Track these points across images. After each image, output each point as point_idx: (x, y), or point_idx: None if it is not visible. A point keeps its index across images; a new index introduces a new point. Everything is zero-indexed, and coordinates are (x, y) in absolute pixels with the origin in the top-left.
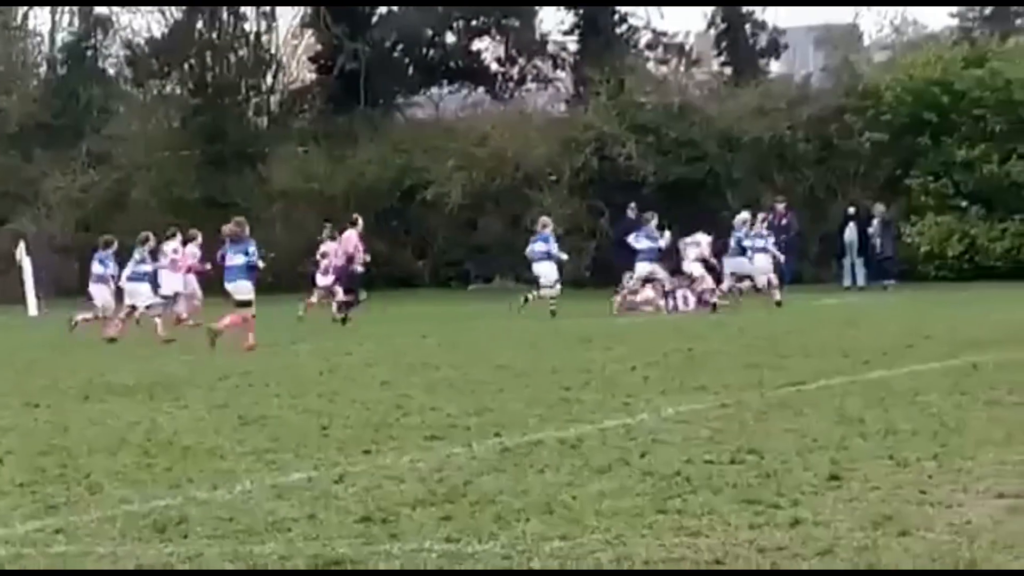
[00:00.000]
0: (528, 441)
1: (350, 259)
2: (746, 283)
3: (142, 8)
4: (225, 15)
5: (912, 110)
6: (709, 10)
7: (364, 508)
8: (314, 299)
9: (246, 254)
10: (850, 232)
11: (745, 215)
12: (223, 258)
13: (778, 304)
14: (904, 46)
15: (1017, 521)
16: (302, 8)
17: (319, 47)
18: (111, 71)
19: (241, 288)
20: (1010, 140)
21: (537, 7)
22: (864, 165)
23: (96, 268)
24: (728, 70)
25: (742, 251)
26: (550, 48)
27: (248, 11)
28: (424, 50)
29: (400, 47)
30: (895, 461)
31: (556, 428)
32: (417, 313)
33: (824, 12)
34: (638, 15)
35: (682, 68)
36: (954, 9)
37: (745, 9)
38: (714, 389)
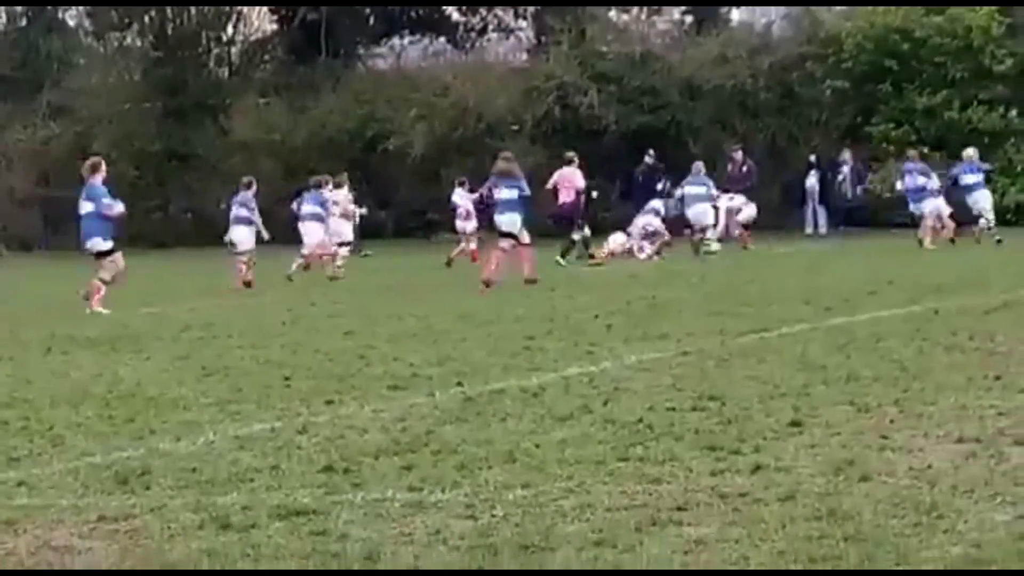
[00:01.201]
0: (491, 390)
1: (579, 193)
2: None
3: None
4: None
5: (873, 57)
6: None
7: (327, 458)
8: (464, 246)
9: (519, 189)
10: (811, 180)
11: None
12: (490, 195)
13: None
14: None
15: (977, 465)
16: None
17: None
18: (71, 23)
19: (511, 220)
20: (971, 87)
21: None
22: (825, 113)
23: (238, 211)
24: (689, 18)
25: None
26: None
27: None
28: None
29: None
30: (856, 407)
31: (519, 377)
32: (380, 264)
33: None
34: None
35: (643, 17)
36: None
37: None
38: (676, 337)
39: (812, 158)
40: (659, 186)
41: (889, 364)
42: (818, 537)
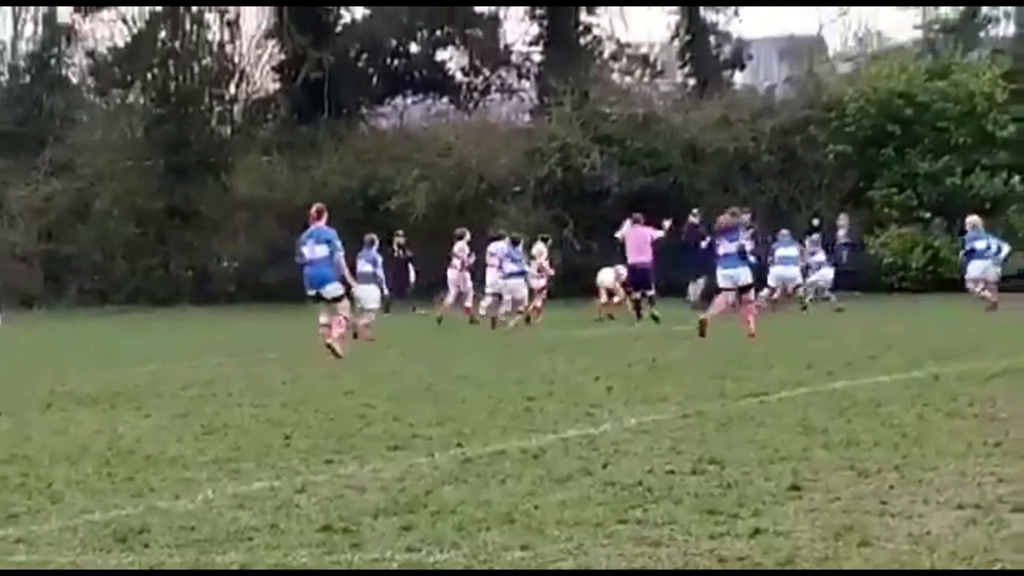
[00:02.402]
0: (490, 451)
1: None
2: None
3: (105, 17)
4: (188, 24)
5: (876, 122)
6: (673, 21)
7: (326, 517)
8: (539, 303)
9: (740, 243)
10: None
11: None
12: (712, 247)
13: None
14: (868, 58)
15: (976, 532)
16: (266, 17)
17: (283, 56)
18: (74, 80)
19: (740, 275)
20: (973, 152)
21: (502, 15)
22: (828, 177)
23: (364, 267)
24: (692, 81)
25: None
26: (514, 58)
27: (211, 20)
28: (388, 60)
29: (364, 57)
30: (856, 471)
31: (518, 438)
32: (381, 323)
33: (789, 23)
34: (602, 26)
35: (646, 79)
36: (918, 20)
37: (710, 20)
38: (676, 399)
39: (815, 222)
40: (704, 244)
41: (889, 429)
42: None
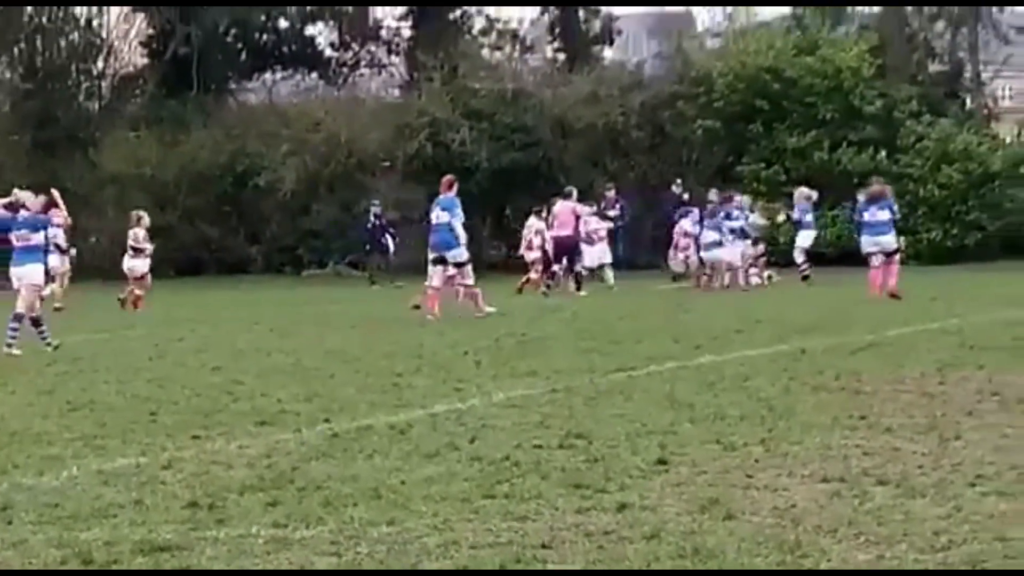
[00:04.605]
0: (358, 427)
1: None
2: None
3: None
4: None
5: (744, 97)
6: None
7: (191, 494)
8: (533, 275)
9: (891, 210)
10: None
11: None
12: (860, 214)
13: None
14: (736, 33)
15: (840, 504)
16: None
17: (151, 31)
18: None
19: (889, 241)
20: (841, 127)
21: None
22: (696, 152)
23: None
24: (562, 56)
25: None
26: (384, 33)
27: None
28: (257, 35)
29: (232, 31)
30: (723, 445)
31: (386, 413)
32: (249, 299)
33: None
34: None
35: (516, 54)
36: None
37: None
38: (545, 374)
39: (685, 196)
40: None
41: (756, 403)
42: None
